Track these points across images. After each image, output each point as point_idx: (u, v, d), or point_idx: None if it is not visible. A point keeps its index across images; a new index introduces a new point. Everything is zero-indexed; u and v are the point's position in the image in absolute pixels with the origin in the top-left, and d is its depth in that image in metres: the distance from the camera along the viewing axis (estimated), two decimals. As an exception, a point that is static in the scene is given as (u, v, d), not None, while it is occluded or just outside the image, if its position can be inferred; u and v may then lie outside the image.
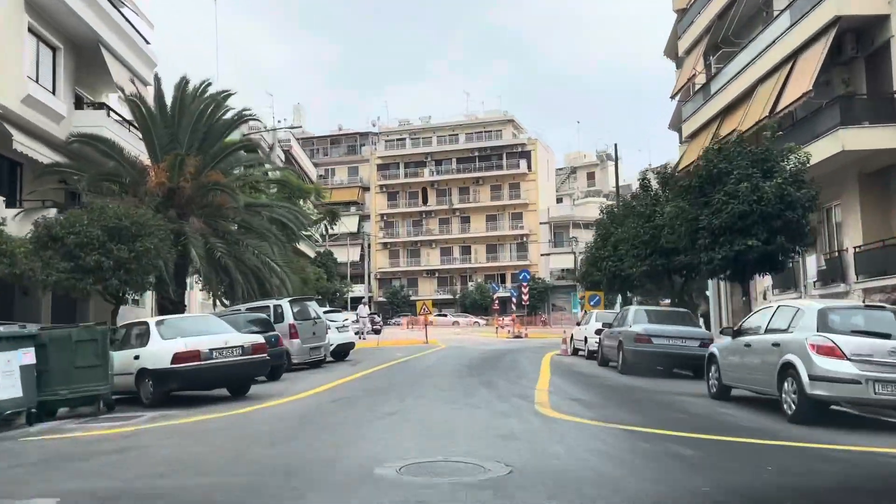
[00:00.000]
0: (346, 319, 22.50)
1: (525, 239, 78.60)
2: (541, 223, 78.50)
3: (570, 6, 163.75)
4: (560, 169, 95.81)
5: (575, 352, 24.25)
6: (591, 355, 21.79)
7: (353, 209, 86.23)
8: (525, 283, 38.89)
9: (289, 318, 18.49)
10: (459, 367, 18.54)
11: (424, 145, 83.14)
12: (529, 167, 79.16)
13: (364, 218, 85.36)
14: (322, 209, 38.21)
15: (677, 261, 19.53)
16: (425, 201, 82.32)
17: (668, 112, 32.83)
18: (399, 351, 27.09)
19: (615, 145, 66.32)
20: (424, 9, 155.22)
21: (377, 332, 46.91)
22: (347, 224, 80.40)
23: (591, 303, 26.99)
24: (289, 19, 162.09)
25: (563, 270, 76.97)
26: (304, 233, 35.80)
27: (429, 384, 14.56)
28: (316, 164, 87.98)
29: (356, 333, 34.20)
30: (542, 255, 76.33)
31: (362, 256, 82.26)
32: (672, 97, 31.36)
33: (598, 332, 21.42)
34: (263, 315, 17.60)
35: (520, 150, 79.80)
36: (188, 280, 22.80)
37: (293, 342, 18.22)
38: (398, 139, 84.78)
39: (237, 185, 21.41)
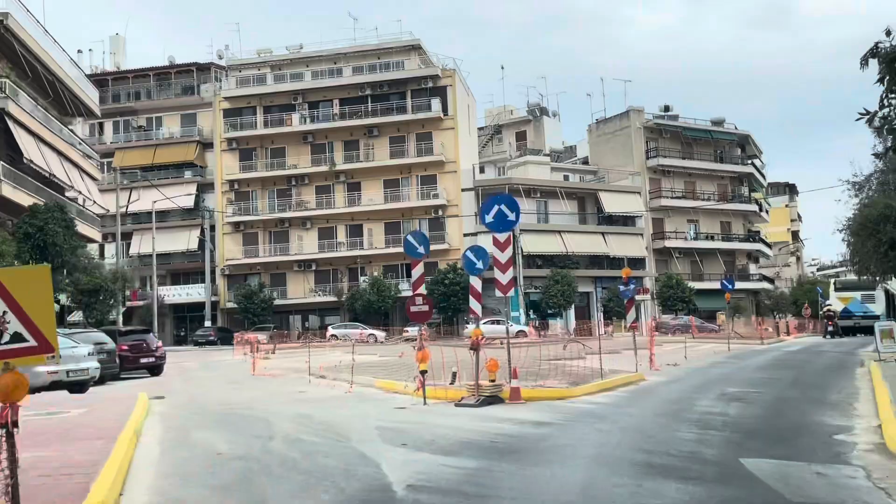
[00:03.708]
0: None
1: (441, 212, 54.40)
2: (463, 189, 54.55)
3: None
4: (480, 129, 72.38)
5: None
6: None
7: (188, 174, 59.47)
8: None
9: None
10: None
11: (293, 80, 57.38)
12: (445, 109, 54.97)
13: (205, 187, 58.75)
14: None
15: None
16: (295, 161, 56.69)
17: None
18: None
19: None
20: None
21: (153, 370, 22.26)
22: (175, 196, 53.86)
23: None
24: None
25: (496, 257, 53.36)
26: None
27: None
28: (135, 112, 60.47)
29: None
30: (465, 235, 52.20)
31: (202, 243, 55.95)
32: None
33: None
34: None
35: (431, 84, 55.38)
36: None
37: None
38: (256, 75, 58.61)
39: None
